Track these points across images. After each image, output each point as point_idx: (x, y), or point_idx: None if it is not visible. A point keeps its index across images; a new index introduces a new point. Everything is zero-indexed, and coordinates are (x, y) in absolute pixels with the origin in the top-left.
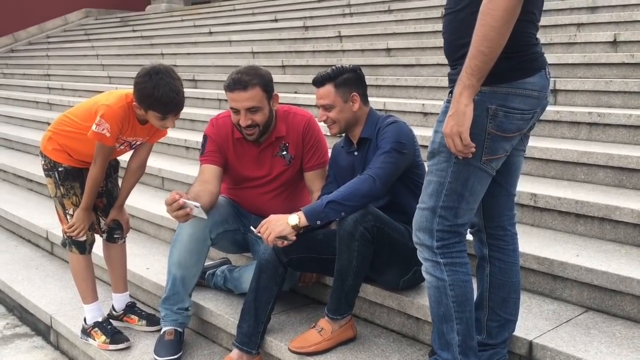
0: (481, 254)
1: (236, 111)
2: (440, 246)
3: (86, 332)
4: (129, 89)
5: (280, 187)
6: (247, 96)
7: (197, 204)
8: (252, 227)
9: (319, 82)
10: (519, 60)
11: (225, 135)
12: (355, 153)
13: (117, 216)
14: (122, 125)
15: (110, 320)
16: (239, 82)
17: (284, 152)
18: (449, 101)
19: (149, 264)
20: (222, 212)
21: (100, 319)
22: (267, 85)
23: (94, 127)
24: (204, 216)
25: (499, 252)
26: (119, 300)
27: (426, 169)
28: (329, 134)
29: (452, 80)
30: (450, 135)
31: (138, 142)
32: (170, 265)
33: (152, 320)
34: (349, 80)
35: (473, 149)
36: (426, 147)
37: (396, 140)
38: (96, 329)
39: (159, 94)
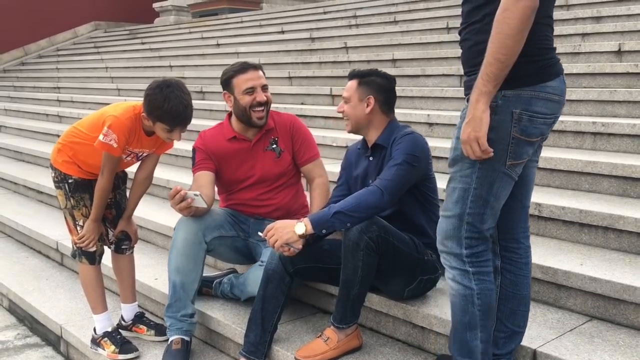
0: (494, 265)
1: (251, 91)
2: (469, 254)
3: (96, 342)
4: (136, 101)
5: (274, 182)
6: (260, 74)
7: (197, 193)
8: (259, 233)
9: (350, 76)
10: (541, 64)
11: (215, 142)
12: (371, 158)
13: (125, 227)
14: (129, 136)
15: (120, 330)
16: (248, 64)
17: (274, 146)
18: (466, 108)
19: (158, 274)
20: (215, 217)
21: (109, 329)
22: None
23: (101, 137)
24: (204, 205)
25: (511, 265)
26: (128, 311)
27: (438, 181)
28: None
29: (469, 87)
30: (467, 141)
31: (144, 154)
32: (170, 272)
33: (160, 330)
34: (374, 84)
35: (491, 154)
36: (435, 157)
37: (410, 153)
38: (106, 338)
39: (169, 106)
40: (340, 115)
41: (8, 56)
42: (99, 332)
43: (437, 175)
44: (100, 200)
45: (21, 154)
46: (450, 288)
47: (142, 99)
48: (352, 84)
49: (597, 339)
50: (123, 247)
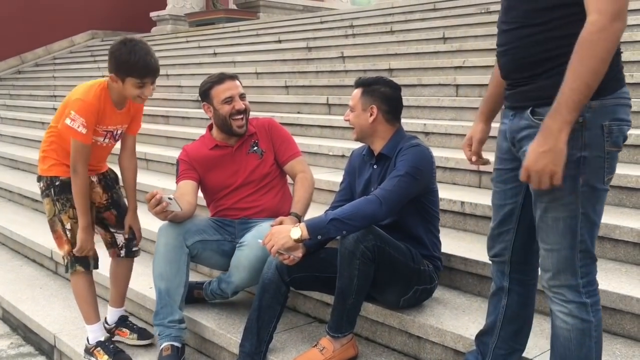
0: (500, 285)
1: (229, 100)
2: (586, 283)
3: (89, 351)
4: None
5: (259, 183)
6: (237, 84)
7: (171, 196)
8: (258, 240)
9: (355, 84)
10: (617, 69)
11: (197, 153)
12: (375, 167)
13: (132, 222)
14: (99, 115)
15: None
16: (225, 75)
17: (255, 148)
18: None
19: (152, 283)
20: (197, 222)
21: (102, 339)
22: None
23: (67, 120)
24: (178, 208)
25: (519, 286)
26: (114, 314)
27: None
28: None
29: (517, 98)
30: (541, 172)
31: (119, 131)
32: (154, 279)
33: (143, 334)
34: (377, 93)
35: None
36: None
37: (413, 165)
38: (99, 348)
39: (136, 58)
40: (337, 125)
41: (4, 64)
42: (92, 341)
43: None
44: (81, 204)
45: (16, 162)
46: (564, 323)
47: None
48: (357, 92)
49: None
50: (134, 249)
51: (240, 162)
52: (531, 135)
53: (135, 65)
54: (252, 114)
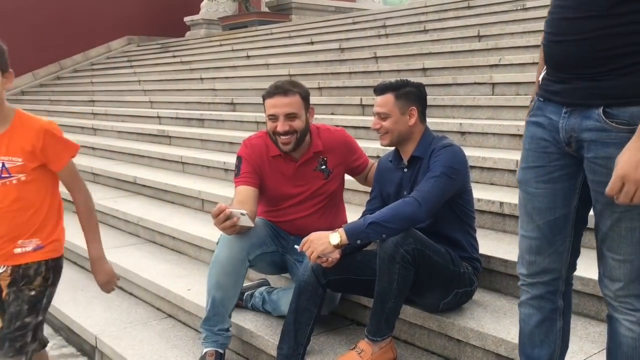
0: (554, 306)
1: (274, 118)
2: None
3: None
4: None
5: (319, 203)
6: (287, 101)
7: (244, 212)
8: (295, 246)
9: (380, 90)
10: None
11: (260, 155)
12: (405, 170)
13: (99, 273)
14: None
15: None
16: (280, 88)
17: (323, 167)
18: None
19: (190, 285)
20: (259, 234)
21: None
22: (306, 96)
23: None
24: (251, 224)
25: (568, 300)
26: None
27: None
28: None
29: (577, 95)
30: (635, 182)
31: (10, 164)
32: (210, 287)
33: None
34: (411, 94)
35: None
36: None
37: (449, 165)
38: None
39: None
40: (369, 125)
41: (44, 71)
42: None
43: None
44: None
45: None
46: (629, 331)
47: (173, 110)
48: (388, 98)
49: None
50: (18, 344)
51: (304, 178)
52: (603, 139)
53: None
54: None
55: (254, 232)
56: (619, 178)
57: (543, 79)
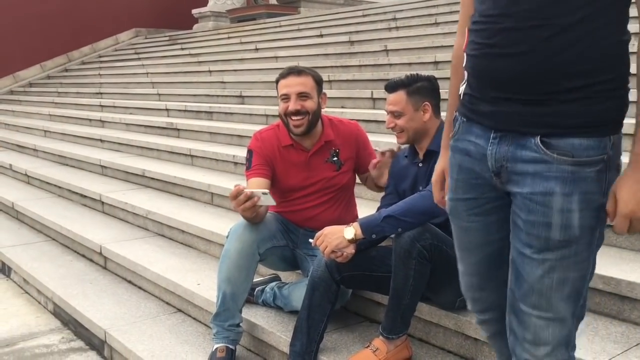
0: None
1: (286, 98)
2: (573, 349)
3: None
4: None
5: (330, 195)
6: (300, 81)
7: (265, 190)
8: (310, 240)
9: (391, 88)
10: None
11: (271, 146)
12: (420, 165)
13: None
14: None
15: None
16: (294, 68)
17: (335, 158)
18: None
19: (200, 279)
20: (270, 227)
21: None
22: (319, 80)
23: None
24: (273, 202)
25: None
26: None
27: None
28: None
29: (509, 121)
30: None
31: None
32: (220, 281)
33: None
34: (423, 89)
35: None
36: None
37: None
38: None
39: None
40: (382, 119)
41: (52, 63)
42: None
43: None
44: None
45: (65, 158)
46: None
47: (181, 103)
48: (400, 95)
49: None
50: None
51: (316, 169)
52: (542, 173)
53: None
54: None
55: (263, 226)
56: (625, 216)
57: (466, 94)
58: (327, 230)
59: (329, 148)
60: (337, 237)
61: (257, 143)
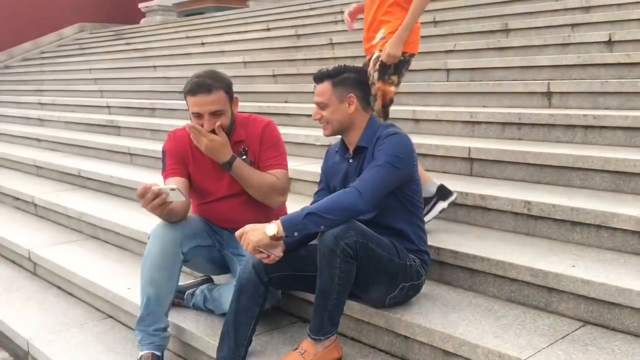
0: None
1: (198, 116)
2: None
3: None
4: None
5: (245, 195)
6: (211, 99)
7: (173, 186)
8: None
9: (317, 79)
10: None
11: (184, 147)
12: (350, 160)
13: None
14: None
15: None
16: (203, 85)
17: (244, 157)
18: None
19: (131, 283)
20: (193, 225)
21: None
22: (229, 89)
23: None
24: (182, 198)
25: None
26: None
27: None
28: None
29: None
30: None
31: None
32: (143, 284)
33: None
34: (349, 81)
35: None
36: (422, 155)
37: (393, 154)
38: None
39: None
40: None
41: None
42: None
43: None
44: None
45: None
46: None
47: (124, 100)
48: (325, 86)
49: (591, 346)
50: None
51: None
52: None
53: None
54: (241, 105)
55: (186, 223)
56: None
57: None
58: (249, 227)
59: (238, 148)
60: (258, 233)
61: (170, 143)
